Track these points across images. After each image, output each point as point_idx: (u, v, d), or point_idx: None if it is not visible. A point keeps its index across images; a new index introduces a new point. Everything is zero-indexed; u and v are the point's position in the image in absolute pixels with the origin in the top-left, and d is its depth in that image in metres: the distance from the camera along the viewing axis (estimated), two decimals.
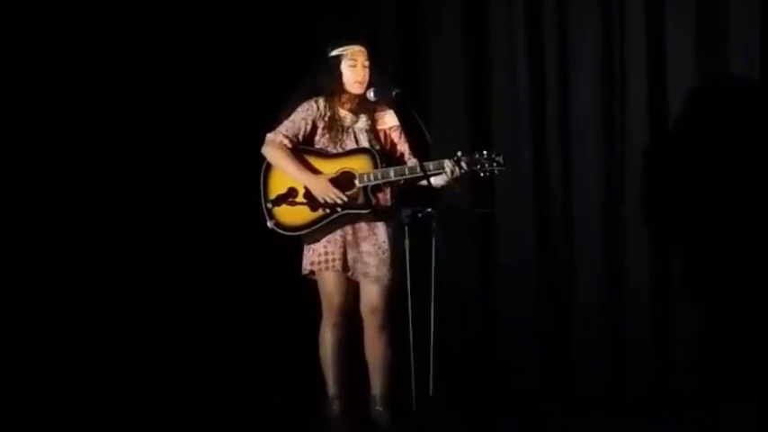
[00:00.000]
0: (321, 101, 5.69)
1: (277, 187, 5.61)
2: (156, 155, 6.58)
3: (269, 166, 5.66)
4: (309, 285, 5.72)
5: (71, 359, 6.43)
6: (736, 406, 6.03)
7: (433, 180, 5.48)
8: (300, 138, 5.67)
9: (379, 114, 5.74)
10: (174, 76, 6.57)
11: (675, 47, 6.47)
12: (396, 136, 5.75)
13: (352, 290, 5.67)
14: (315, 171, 5.61)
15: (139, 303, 6.54)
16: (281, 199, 5.57)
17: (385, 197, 5.66)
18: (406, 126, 5.69)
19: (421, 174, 5.47)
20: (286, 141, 5.63)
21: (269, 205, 5.60)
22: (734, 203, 6.30)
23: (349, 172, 5.61)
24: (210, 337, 6.56)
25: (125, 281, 6.54)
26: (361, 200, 5.59)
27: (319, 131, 5.69)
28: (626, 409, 6.22)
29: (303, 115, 5.68)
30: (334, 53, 5.66)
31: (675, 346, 6.48)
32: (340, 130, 5.68)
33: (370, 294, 5.64)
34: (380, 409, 5.67)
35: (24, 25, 6.44)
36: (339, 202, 5.55)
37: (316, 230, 5.60)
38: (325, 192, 5.55)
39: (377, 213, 5.61)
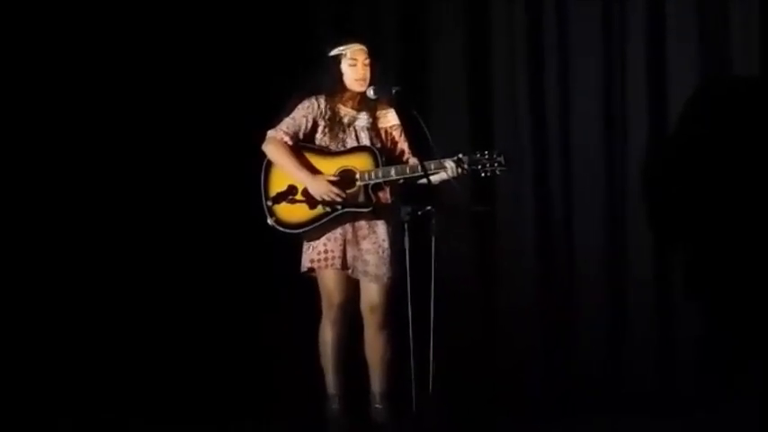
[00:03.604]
0: (322, 99, 5.69)
1: (277, 185, 5.61)
2: (157, 153, 6.60)
3: (269, 163, 5.66)
4: (309, 283, 5.72)
5: (69, 356, 6.47)
6: (737, 405, 6.03)
7: (432, 177, 5.47)
8: (301, 135, 5.67)
9: (380, 112, 5.74)
10: (173, 73, 6.59)
11: (676, 47, 6.46)
12: (397, 134, 5.75)
13: (351, 288, 5.67)
14: (315, 169, 5.62)
15: (138, 300, 6.56)
16: (281, 196, 5.57)
17: (385, 195, 5.66)
18: (407, 124, 5.70)
19: (422, 173, 5.47)
20: (287, 138, 5.63)
21: (269, 203, 5.60)
22: (736, 203, 6.29)
23: (350, 170, 5.61)
24: (209, 334, 6.57)
25: (124, 279, 6.57)
26: (361, 198, 5.59)
27: (320, 129, 5.69)
28: (627, 408, 6.22)
29: (304, 113, 5.68)
30: (334, 52, 5.65)
31: (677, 345, 6.47)
32: (341, 127, 5.68)
33: (370, 292, 5.65)
34: (379, 406, 5.68)
35: (24, 25, 6.45)
36: (338, 200, 5.55)
37: (316, 228, 5.60)
38: (324, 192, 5.55)
39: (377, 212, 5.61)
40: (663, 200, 6.49)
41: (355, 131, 5.70)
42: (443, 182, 5.52)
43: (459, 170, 5.45)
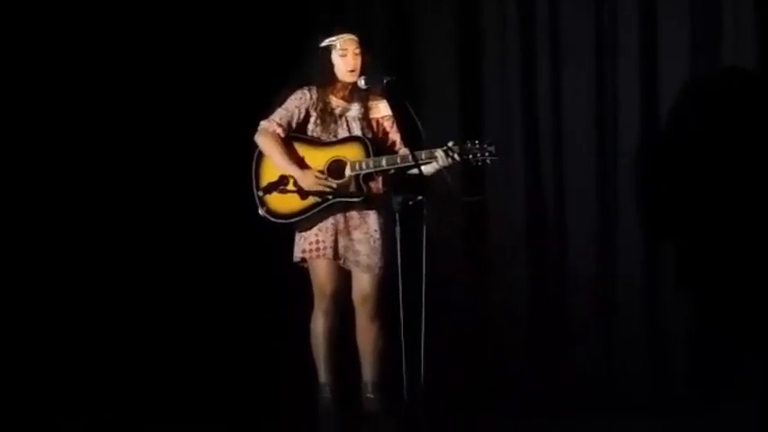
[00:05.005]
0: (314, 90, 5.71)
1: (269, 175, 5.63)
2: (150, 145, 6.60)
3: (261, 153, 5.68)
4: (301, 273, 5.73)
5: (69, 356, 6.49)
6: (734, 405, 6.03)
7: (423, 168, 5.48)
8: (293, 126, 5.69)
9: (372, 103, 5.75)
10: (166, 65, 6.60)
11: (668, 44, 6.45)
12: (388, 125, 5.76)
13: (343, 278, 5.68)
14: (306, 161, 5.62)
15: (135, 296, 6.57)
16: (272, 187, 5.59)
17: (377, 186, 5.67)
18: (398, 114, 5.70)
19: (413, 163, 5.48)
20: (279, 130, 5.65)
21: (260, 193, 5.62)
22: (728, 200, 6.29)
23: (341, 160, 5.62)
24: (206, 331, 6.57)
25: (120, 277, 6.58)
26: (352, 188, 5.60)
27: (312, 120, 5.71)
28: (620, 406, 6.20)
29: (296, 103, 5.69)
30: (325, 43, 5.67)
31: (669, 343, 6.45)
32: (332, 118, 5.69)
33: (362, 283, 5.66)
34: (371, 396, 5.69)
35: (23, 25, 6.48)
36: (328, 191, 5.56)
37: (307, 218, 5.61)
38: (313, 186, 5.56)
39: (368, 202, 5.62)
40: (654, 197, 6.48)
41: (347, 122, 5.71)
42: (435, 172, 5.53)
43: (450, 160, 5.46)
